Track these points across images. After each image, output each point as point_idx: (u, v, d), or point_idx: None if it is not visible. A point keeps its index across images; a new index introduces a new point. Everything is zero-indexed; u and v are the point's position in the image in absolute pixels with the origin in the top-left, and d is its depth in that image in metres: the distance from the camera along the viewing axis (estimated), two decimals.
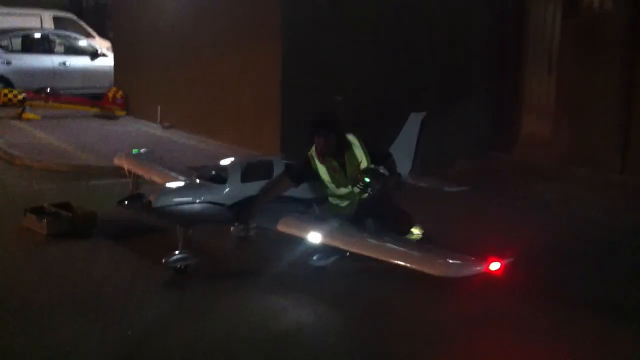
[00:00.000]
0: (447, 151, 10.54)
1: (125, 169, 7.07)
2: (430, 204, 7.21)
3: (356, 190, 5.66)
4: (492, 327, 5.04)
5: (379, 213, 5.80)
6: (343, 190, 5.83)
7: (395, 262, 4.95)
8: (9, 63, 15.49)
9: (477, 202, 8.08)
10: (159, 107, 13.34)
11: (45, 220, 6.65)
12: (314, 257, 5.85)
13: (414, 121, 7.22)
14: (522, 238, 6.84)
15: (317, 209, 6.10)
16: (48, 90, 14.25)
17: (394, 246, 5.17)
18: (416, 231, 5.87)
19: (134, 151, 7.57)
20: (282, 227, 5.60)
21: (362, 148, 5.75)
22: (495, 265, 4.69)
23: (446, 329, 4.98)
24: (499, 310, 5.25)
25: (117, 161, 7.53)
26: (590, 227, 7.65)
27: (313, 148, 5.83)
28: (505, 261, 4.71)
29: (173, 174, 6.73)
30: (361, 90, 10.82)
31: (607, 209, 8.42)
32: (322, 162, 5.78)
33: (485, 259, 4.76)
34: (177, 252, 5.78)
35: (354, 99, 10.68)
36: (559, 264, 6.32)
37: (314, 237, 5.46)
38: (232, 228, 6.63)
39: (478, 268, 4.75)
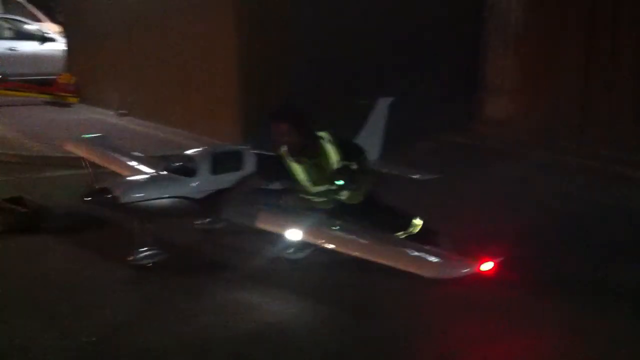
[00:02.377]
0: (405, 133, 10.36)
1: (82, 157, 6.72)
2: (397, 192, 7.01)
3: (333, 187, 5.38)
4: (476, 313, 4.87)
5: (370, 217, 5.54)
6: (319, 189, 5.55)
7: (383, 262, 4.68)
8: None
9: (439, 189, 7.81)
10: (117, 94, 12.85)
11: None
12: (289, 250, 5.56)
13: (382, 106, 7.00)
14: (497, 222, 6.79)
15: (288, 199, 5.81)
16: None
17: (381, 246, 4.89)
18: (416, 222, 5.63)
19: (85, 136, 7.24)
20: (259, 223, 5.30)
21: (334, 144, 5.43)
22: (487, 265, 4.47)
23: (426, 317, 4.80)
24: (483, 297, 5.05)
25: (67, 147, 7.19)
26: (557, 205, 7.73)
27: (285, 147, 5.53)
28: (497, 260, 4.48)
29: (132, 163, 6.41)
30: (330, 71, 10.47)
31: (568, 189, 8.47)
32: (296, 162, 5.50)
33: (477, 258, 4.54)
34: (144, 248, 5.47)
35: (323, 81, 10.32)
36: (535, 244, 6.25)
37: (295, 235, 5.15)
38: (196, 221, 6.31)
39: (470, 269, 4.51)
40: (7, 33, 16.19)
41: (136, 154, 6.88)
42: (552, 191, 8.34)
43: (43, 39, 16.01)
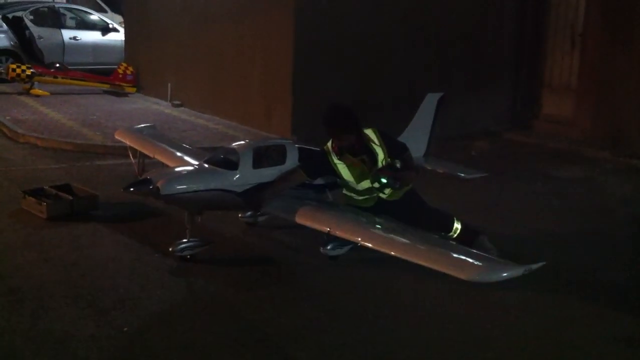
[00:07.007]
0: (463, 131, 10.21)
1: (128, 146, 6.79)
2: (447, 189, 6.86)
3: (376, 185, 5.32)
4: (515, 317, 4.76)
5: (411, 216, 5.45)
6: (363, 186, 5.49)
7: (421, 263, 4.54)
8: None
9: (495, 188, 7.72)
10: (169, 85, 13.00)
11: (45, 204, 6.35)
12: (328, 247, 5.46)
13: (430, 101, 6.85)
14: (543, 225, 6.64)
15: (329, 195, 5.77)
16: (57, 65, 13.96)
17: (421, 246, 4.75)
18: (457, 225, 5.54)
19: (135, 126, 7.30)
20: (299, 219, 5.24)
21: (380, 141, 5.39)
22: (527, 270, 4.29)
23: (463, 320, 4.71)
24: (522, 299, 4.96)
25: (118, 136, 7.26)
26: (613, 212, 7.38)
27: (329, 143, 5.48)
28: (538, 265, 4.32)
29: (179, 154, 6.41)
30: (383, 70, 10.46)
31: (629, 193, 8.13)
32: (340, 159, 5.43)
33: (518, 262, 4.39)
34: (185, 240, 5.50)
35: (376, 79, 10.33)
36: (582, 249, 6.09)
37: (335, 232, 5.06)
38: (239, 214, 6.31)
39: (510, 273, 4.32)
40: (70, 23, 16.50)
41: (183, 145, 6.92)
42: (616, 195, 8.04)
43: (105, 29, 16.25)
